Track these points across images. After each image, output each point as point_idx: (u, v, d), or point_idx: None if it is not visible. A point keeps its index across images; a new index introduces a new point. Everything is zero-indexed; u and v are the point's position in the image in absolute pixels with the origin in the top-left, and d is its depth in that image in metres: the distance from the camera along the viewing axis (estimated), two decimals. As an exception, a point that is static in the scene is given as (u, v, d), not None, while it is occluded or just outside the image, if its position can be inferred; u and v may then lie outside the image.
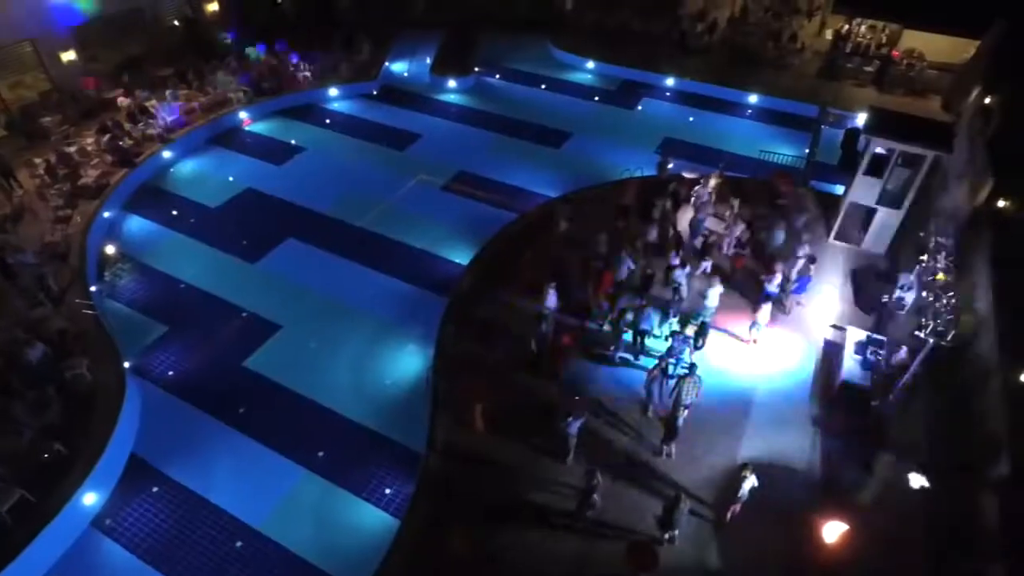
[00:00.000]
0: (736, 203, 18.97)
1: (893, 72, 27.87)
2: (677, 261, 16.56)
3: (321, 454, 14.31)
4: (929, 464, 13.13)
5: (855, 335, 15.31)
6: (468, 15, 32.76)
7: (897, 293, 16.01)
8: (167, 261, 19.32)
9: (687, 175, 20.88)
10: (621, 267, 16.82)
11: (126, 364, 15.59)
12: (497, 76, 29.96)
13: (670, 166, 21.41)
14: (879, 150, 17.48)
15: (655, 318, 15.33)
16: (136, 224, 20.97)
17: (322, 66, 28.73)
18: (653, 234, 18.40)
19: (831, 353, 15.77)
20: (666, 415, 13.96)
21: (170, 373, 16.09)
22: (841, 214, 19.02)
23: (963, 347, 14.64)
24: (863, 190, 18.29)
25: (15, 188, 20.83)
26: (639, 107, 27.91)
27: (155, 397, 15.48)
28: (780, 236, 18.05)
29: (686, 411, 14.07)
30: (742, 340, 16.19)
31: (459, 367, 15.45)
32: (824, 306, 17.16)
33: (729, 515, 12.29)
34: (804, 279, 16.56)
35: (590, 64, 30.69)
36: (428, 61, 30.12)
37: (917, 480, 11.84)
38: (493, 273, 18.01)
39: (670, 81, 29.11)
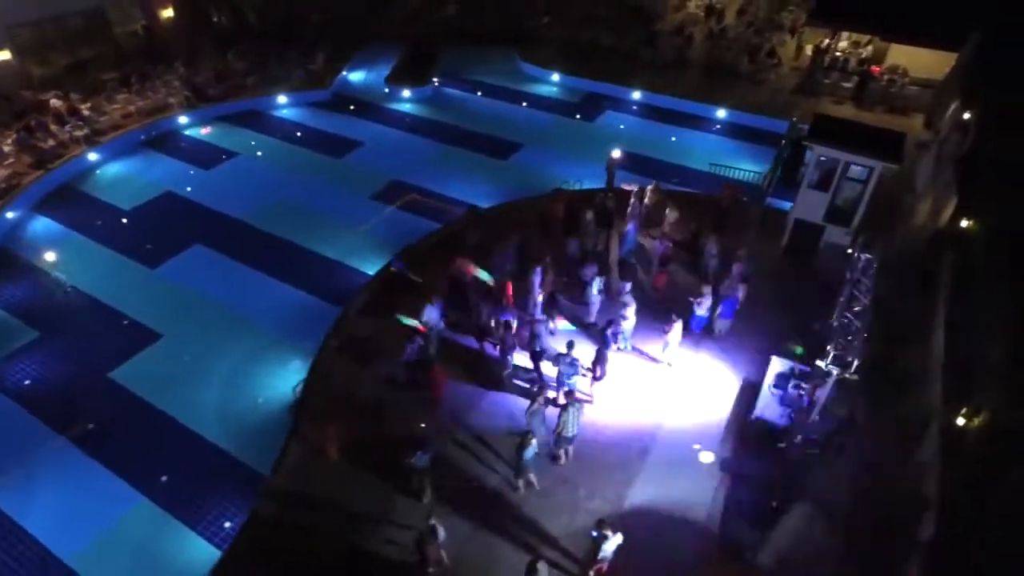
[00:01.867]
0: (670, 218, 17.31)
1: (873, 88, 26.12)
2: (591, 276, 14.92)
3: (164, 479, 12.78)
4: (844, 523, 11.19)
5: (778, 366, 13.45)
6: (436, 29, 32.03)
7: (834, 319, 14.14)
8: (61, 263, 18.12)
9: (625, 187, 19.29)
10: (530, 281, 15.20)
11: (-24, 371, 14.39)
12: (453, 87, 28.85)
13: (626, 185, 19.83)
14: (822, 159, 15.75)
15: (545, 336, 13.66)
16: (41, 225, 19.98)
17: (273, 74, 27.96)
18: (574, 248, 16.80)
19: (752, 386, 13.88)
20: (549, 450, 12.26)
21: (27, 382, 14.78)
22: (787, 232, 17.22)
23: (900, 386, 12.76)
24: (809, 206, 16.52)
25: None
26: (598, 119, 26.48)
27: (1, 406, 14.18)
28: (712, 250, 16.28)
29: (570, 447, 12.34)
30: (656, 360, 14.42)
31: (329, 387, 13.89)
32: (760, 333, 15.28)
33: (592, 574, 10.43)
34: (729, 301, 14.74)
35: (555, 77, 29.51)
36: (386, 72, 29.19)
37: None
38: (396, 287, 16.49)
39: (636, 94, 27.73)
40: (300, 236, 19.35)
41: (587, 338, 14.88)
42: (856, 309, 10.97)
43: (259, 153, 23.86)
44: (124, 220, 20.17)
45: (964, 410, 10.75)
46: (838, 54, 27.82)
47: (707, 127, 25.79)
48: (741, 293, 14.97)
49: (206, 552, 11.55)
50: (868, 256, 11.81)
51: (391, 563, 10.89)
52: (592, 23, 32.96)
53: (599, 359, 13.24)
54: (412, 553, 10.51)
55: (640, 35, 31.49)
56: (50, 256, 17.76)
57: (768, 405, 12.71)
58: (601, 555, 9.88)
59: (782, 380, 13.08)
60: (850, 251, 14.16)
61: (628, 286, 14.88)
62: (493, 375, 14.13)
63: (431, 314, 14.19)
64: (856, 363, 9.74)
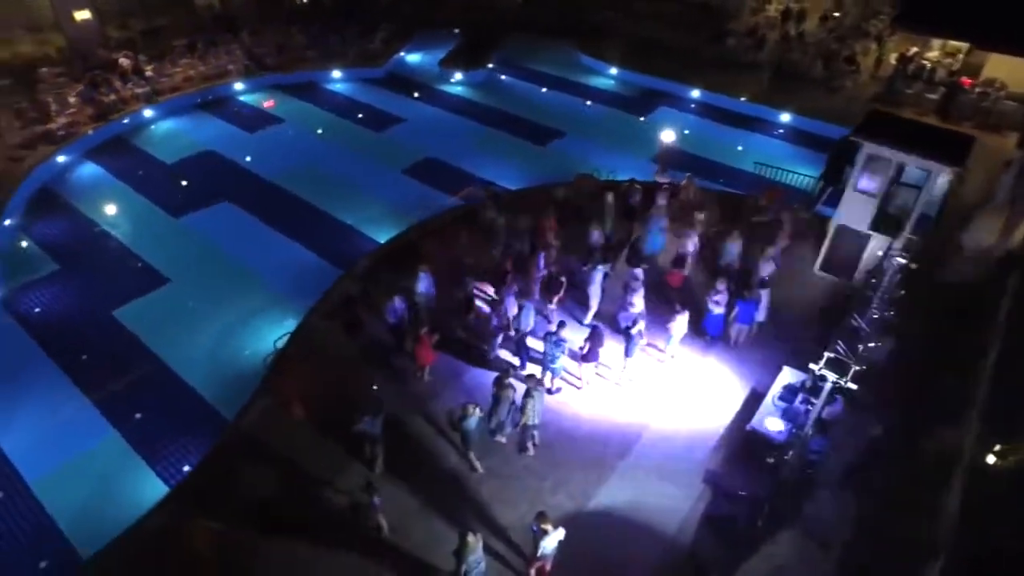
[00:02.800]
0: (699, 215, 16.04)
1: (962, 101, 23.61)
2: (595, 264, 13.95)
3: (139, 416, 12.82)
4: (838, 557, 9.75)
5: (788, 377, 12.04)
6: (498, 18, 31.74)
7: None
8: (96, 205, 18.98)
9: (659, 180, 18.12)
10: (534, 263, 14.40)
11: (-9, 293, 15.08)
12: (506, 74, 28.39)
13: (662, 177, 18.70)
14: (873, 159, 14.10)
15: (530, 317, 12.79)
16: (88, 170, 20.90)
17: (332, 49, 28.43)
18: (596, 236, 15.81)
19: (758, 398, 12.50)
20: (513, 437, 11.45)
21: (36, 310, 15.30)
22: (828, 240, 15.59)
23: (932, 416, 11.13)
24: (854, 211, 14.85)
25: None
26: (651, 115, 25.28)
27: (4, 328, 14.71)
28: (733, 251, 14.91)
29: (535, 433, 11.45)
30: (659, 351, 13.30)
31: (309, 346, 13.57)
32: (778, 344, 13.81)
33: (532, 573, 9.49)
34: (747, 304, 13.36)
35: (613, 71, 28.51)
36: (442, 55, 29.11)
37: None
38: (404, 256, 16.04)
39: (695, 93, 26.35)
40: (323, 201, 19.34)
41: (580, 324, 13.94)
42: (874, 316, 9.55)
43: (303, 121, 24.18)
44: (162, 173, 20.81)
45: (998, 448, 9.20)
46: (925, 63, 25.41)
47: (767, 130, 24.13)
48: (764, 299, 13.57)
49: (160, 491, 11.40)
50: (900, 260, 10.31)
51: (328, 525, 10.35)
52: (658, 20, 31.86)
53: (594, 340, 12.24)
54: (349, 517, 9.95)
55: (707, 34, 30.16)
56: (88, 198, 18.51)
57: (768, 417, 11.35)
58: (540, 552, 8.96)
59: (789, 393, 11.69)
60: (880, 253, 12.55)
61: (639, 272, 13.79)
62: (479, 353, 13.42)
63: (423, 283, 13.65)
64: (855, 370, 8.38)
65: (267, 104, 25.29)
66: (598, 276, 13.76)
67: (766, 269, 14.38)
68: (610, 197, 16.21)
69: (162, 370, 13.83)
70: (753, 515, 10.39)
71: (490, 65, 28.75)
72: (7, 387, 13.35)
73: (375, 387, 12.06)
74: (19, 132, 21.44)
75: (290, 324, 14.61)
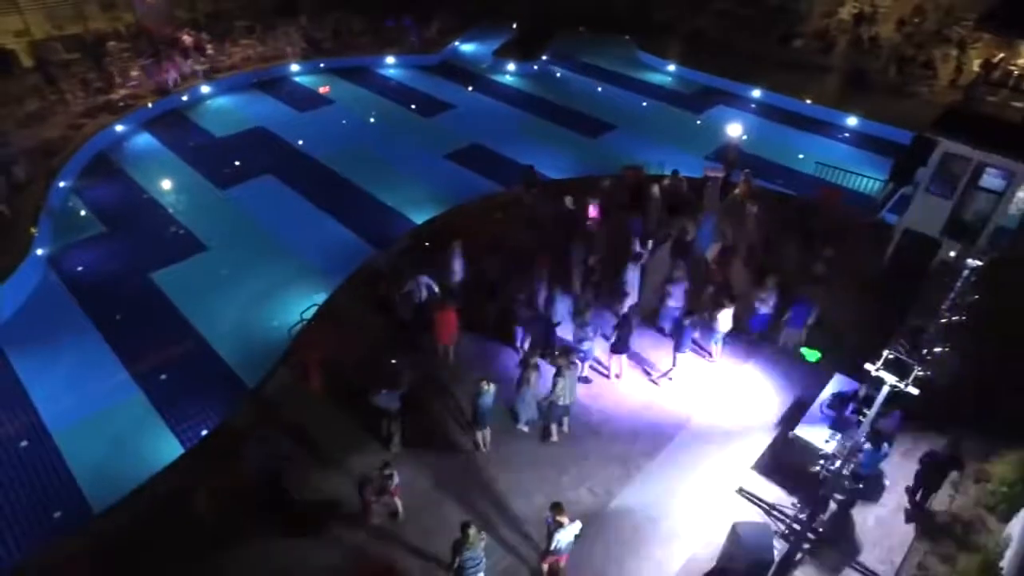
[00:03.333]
0: (751, 210, 15.13)
1: (1052, 111, 21.83)
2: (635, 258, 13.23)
3: (163, 377, 12.80)
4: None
5: (838, 384, 11.07)
6: (557, 12, 31.23)
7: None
8: (146, 173, 19.35)
9: (710, 173, 17.24)
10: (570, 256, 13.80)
11: (40, 251, 15.39)
12: (560, 67, 27.88)
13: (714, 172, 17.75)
14: (948, 159, 12.94)
15: (562, 305, 12.17)
16: (143, 140, 21.38)
17: (387, 36, 28.52)
18: (636, 226, 15.09)
19: (804, 406, 11.54)
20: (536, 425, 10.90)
21: (79, 268, 15.59)
22: (893, 244, 14.44)
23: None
24: (924, 215, 13.70)
25: (50, 93, 22.12)
26: (707, 113, 24.32)
27: (48, 285, 15.04)
28: (786, 251, 13.94)
29: (566, 419, 10.84)
30: (705, 351, 12.50)
31: (335, 320, 13.31)
32: (829, 350, 12.80)
33: (546, 568, 8.87)
34: (801, 306, 12.40)
35: (671, 67, 27.64)
36: (496, 46, 28.84)
37: None
38: (440, 237, 15.65)
39: (756, 93, 25.24)
40: (365, 181, 19.22)
41: (614, 315, 13.24)
42: (942, 320, 8.55)
43: (354, 103, 24.25)
44: (212, 145, 21.13)
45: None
46: (1012, 68, 23.65)
47: (830, 133, 22.88)
48: (816, 302, 12.58)
49: (176, 452, 11.28)
50: (974, 263, 9.26)
51: (332, 503, 9.97)
52: (725, 18, 30.82)
53: (623, 328, 11.54)
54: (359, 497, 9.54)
55: (774, 36, 28.98)
56: (139, 166, 18.88)
57: (813, 425, 10.42)
58: (554, 545, 8.33)
59: (839, 401, 10.71)
60: (953, 253, 11.45)
61: (682, 264, 13.01)
62: (506, 338, 12.88)
63: (456, 261, 13.24)
64: (917, 374, 7.46)
65: (322, 90, 25.38)
66: (636, 267, 13.04)
67: (820, 271, 13.41)
68: (655, 189, 15.45)
69: (191, 334, 13.81)
70: (791, 530, 9.52)
71: (544, 57, 28.34)
72: (44, 341, 13.54)
73: (394, 361, 11.61)
74: (83, 101, 22.17)
75: (320, 298, 14.42)
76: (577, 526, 8.33)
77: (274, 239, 16.80)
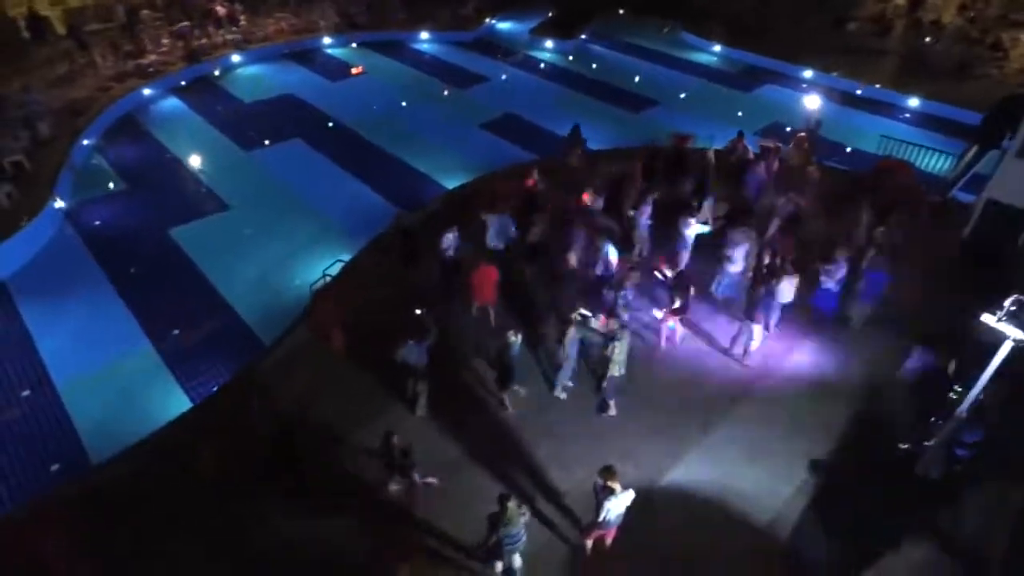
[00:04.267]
0: (813, 174, 13.86)
1: None
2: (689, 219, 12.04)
3: (176, 332, 11.99)
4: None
5: (922, 358, 9.78)
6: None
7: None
8: (171, 134, 18.77)
9: (764, 143, 15.97)
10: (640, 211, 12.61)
11: (59, 204, 14.78)
12: (600, 45, 26.80)
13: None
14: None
15: (610, 255, 11.04)
16: (170, 104, 20.85)
17: (422, 12, 27.75)
18: (688, 185, 13.91)
19: (875, 386, 10.25)
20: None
21: (96, 223, 14.95)
22: (974, 217, 13.05)
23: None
24: (1013, 183, 12.30)
25: (80, 57, 21.74)
26: (756, 91, 23.03)
27: (64, 238, 14.42)
28: (862, 221, 12.63)
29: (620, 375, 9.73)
30: (731, 353, 11.09)
31: (362, 279, 12.39)
32: (900, 326, 11.46)
33: (589, 543, 7.77)
34: (874, 276, 11.06)
35: (717, 48, 26.38)
36: (533, 24, 27.90)
37: None
38: (474, 202, 14.67)
39: (807, 74, 23.84)
40: (396, 147, 18.37)
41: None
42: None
43: (386, 74, 23.49)
44: (240, 110, 20.50)
45: None
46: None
47: (891, 113, 21.41)
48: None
49: (183, 407, 10.42)
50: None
51: (347, 469, 8.99)
52: (772, 4, 29.42)
53: (680, 288, 10.38)
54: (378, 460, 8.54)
55: (826, 19, 27.56)
56: (164, 128, 18.30)
57: (897, 401, 9.16)
58: (602, 516, 7.22)
59: (926, 374, 9.43)
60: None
61: (744, 230, 11.79)
62: (544, 303, 11.82)
63: (492, 223, 12.26)
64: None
65: (355, 71, 24.44)
66: (689, 230, 11.85)
67: (894, 240, 12.09)
68: (711, 154, 14.29)
69: (207, 291, 13.02)
70: (875, 519, 8.29)
71: (583, 36, 27.31)
72: (56, 292, 12.88)
73: (419, 311, 10.56)
74: (112, 66, 21.75)
75: (344, 257, 13.53)
76: (630, 495, 7.22)
77: (299, 200, 16.01)
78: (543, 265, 12.13)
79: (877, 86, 22.56)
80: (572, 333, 9.38)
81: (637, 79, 23.46)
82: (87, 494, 8.70)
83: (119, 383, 10.98)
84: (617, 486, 7.11)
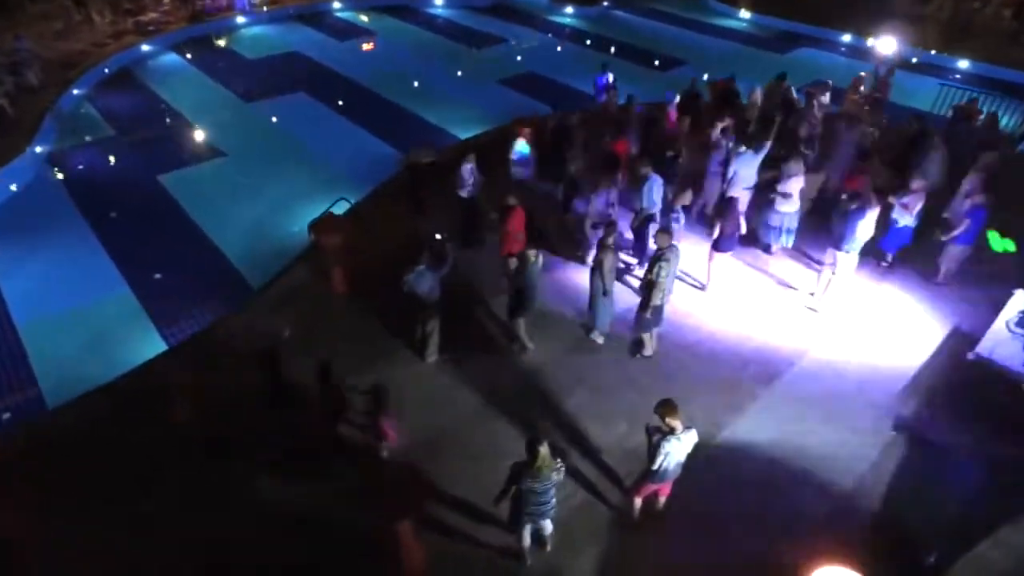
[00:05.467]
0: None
1: None
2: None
3: (158, 276, 10.68)
4: None
5: (1026, 301, 8.25)
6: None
7: None
8: (167, 86, 17.64)
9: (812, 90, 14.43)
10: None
11: (39, 149, 13.59)
12: (624, 12, 25.39)
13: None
14: None
15: (655, 191, 9.57)
16: (168, 59, 19.72)
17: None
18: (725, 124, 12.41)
19: (965, 336, 8.73)
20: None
21: (80, 167, 13.73)
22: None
23: None
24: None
25: (77, 14, 20.68)
26: (791, 53, 21.55)
27: (42, 182, 13.20)
28: (935, 162, 11.08)
29: (655, 329, 8.29)
30: (818, 266, 9.73)
31: (371, 220, 11.03)
32: (986, 278, 9.92)
33: (639, 502, 6.30)
34: (976, 212, 9.38)
35: (745, 14, 24.90)
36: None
37: None
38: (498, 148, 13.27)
39: (846, 38, 22.34)
40: (408, 101, 17.05)
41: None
42: None
43: (397, 35, 22.27)
44: (243, 65, 19.31)
45: None
46: None
47: (940, 75, 19.80)
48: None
49: (159, 350, 9.09)
50: None
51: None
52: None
53: (727, 217, 8.91)
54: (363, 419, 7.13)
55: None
56: (161, 80, 17.10)
57: (998, 343, 7.63)
58: (659, 464, 5.74)
59: (1031, 319, 7.90)
60: None
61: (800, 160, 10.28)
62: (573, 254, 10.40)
63: (518, 151, 10.91)
64: None
65: (366, 47, 23.08)
66: (748, 160, 10.30)
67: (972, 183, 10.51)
68: (758, 93, 12.89)
69: (196, 237, 11.72)
70: (980, 479, 6.78)
71: (605, 3, 25.92)
72: (28, 234, 11.66)
73: (439, 236, 9.15)
74: (111, 23, 20.67)
75: (350, 197, 12.18)
76: (693, 436, 5.75)
77: (301, 149, 14.72)
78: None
79: (927, 50, 21.01)
80: (610, 258, 7.91)
81: (663, 41, 22.05)
82: (38, 441, 7.37)
83: (91, 328, 9.66)
84: (679, 424, 5.64)
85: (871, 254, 9.92)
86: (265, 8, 23.31)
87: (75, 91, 16.45)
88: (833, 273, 9.13)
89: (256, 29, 22.44)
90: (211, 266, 10.98)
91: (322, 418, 7.04)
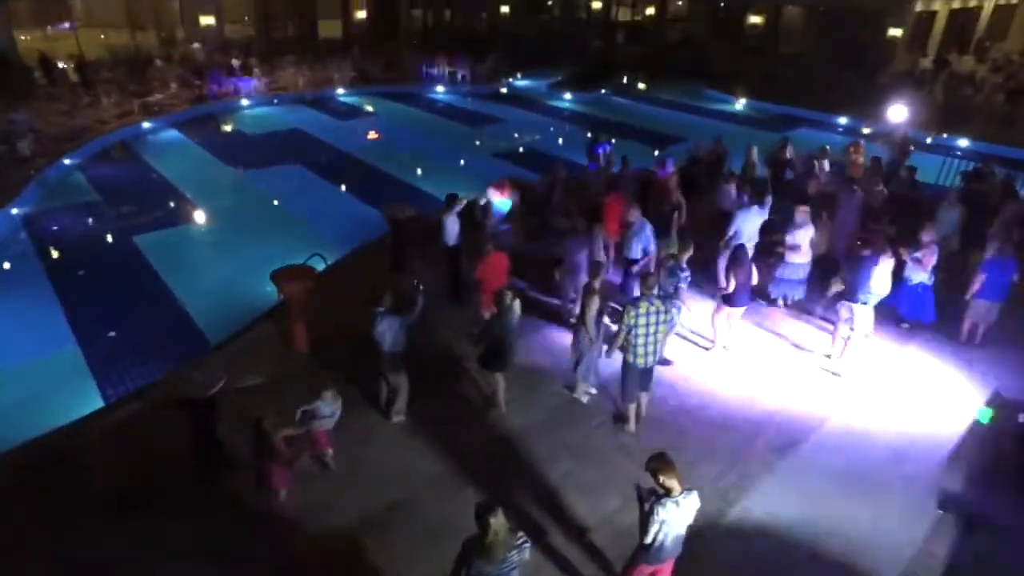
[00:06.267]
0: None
1: None
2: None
3: (112, 334, 9.82)
4: None
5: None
6: (616, 63, 29.86)
7: None
8: (162, 158, 17.57)
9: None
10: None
11: (15, 211, 13.28)
12: (622, 98, 25.96)
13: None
14: None
15: (647, 236, 8.81)
16: (168, 135, 19.83)
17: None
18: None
19: (1009, 404, 7.65)
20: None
21: (54, 228, 13.24)
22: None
23: None
24: None
25: (86, 95, 21.16)
26: (790, 133, 21.56)
27: (14, 240, 12.76)
28: (949, 218, 10.38)
29: (644, 397, 7.25)
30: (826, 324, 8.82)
31: (343, 281, 10.31)
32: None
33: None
34: (1001, 265, 8.52)
35: (741, 101, 25.37)
36: (552, 81, 27.39)
37: None
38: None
39: (843, 120, 22.52)
40: (403, 172, 16.83)
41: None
42: None
43: (397, 116, 22.68)
44: (241, 140, 19.44)
45: None
46: None
47: (943, 152, 19.59)
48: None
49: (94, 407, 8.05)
50: None
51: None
52: (796, 66, 28.70)
53: (738, 268, 8.03)
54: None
55: (855, 76, 26.67)
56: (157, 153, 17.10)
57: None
58: (652, 534, 4.59)
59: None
60: None
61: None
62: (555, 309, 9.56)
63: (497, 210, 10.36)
64: None
65: (371, 136, 23.30)
66: (754, 218, 9.65)
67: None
68: (755, 150, 12.54)
69: (162, 295, 10.94)
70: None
71: (603, 91, 26.57)
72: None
73: (416, 281, 8.29)
74: (117, 105, 21.05)
75: (325, 253, 11.49)
76: (695, 501, 4.63)
77: (288, 214, 14.37)
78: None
79: (925, 132, 21.01)
80: (595, 303, 7.01)
81: (661, 122, 22.30)
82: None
83: (26, 385, 8.70)
84: (676, 485, 4.54)
85: (890, 317, 9.05)
86: (270, 93, 23.88)
87: (66, 160, 16.35)
88: (852, 329, 8.19)
89: (260, 110, 22.86)
90: (171, 324, 10.14)
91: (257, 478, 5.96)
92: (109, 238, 12.84)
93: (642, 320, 6.65)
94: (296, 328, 8.61)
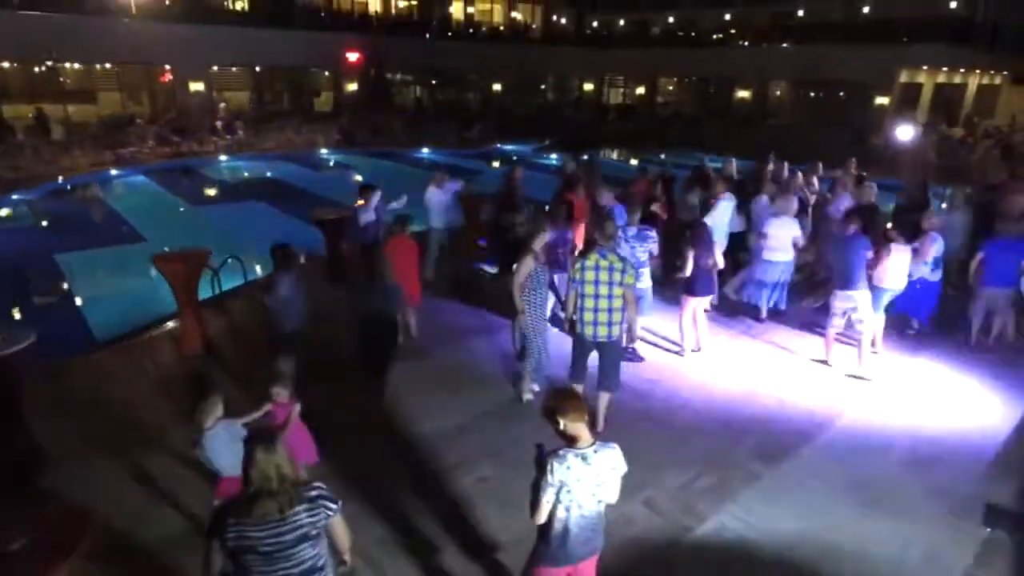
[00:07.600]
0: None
1: None
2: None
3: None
4: None
5: None
6: (601, 136, 30.00)
7: None
8: (117, 196, 16.98)
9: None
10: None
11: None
12: (606, 161, 25.59)
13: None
14: None
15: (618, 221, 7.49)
16: (135, 180, 19.12)
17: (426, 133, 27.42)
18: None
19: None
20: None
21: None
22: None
23: None
24: None
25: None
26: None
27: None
28: (959, 222, 9.10)
29: (604, 399, 5.72)
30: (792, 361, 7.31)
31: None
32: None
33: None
34: (1012, 246, 7.21)
35: (733, 160, 24.89)
36: (537, 146, 27.30)
37: None
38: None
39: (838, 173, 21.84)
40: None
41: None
42: None
43: (376, 168, 22.24)
44: (208, 184, 18.72)
45: None
46: None
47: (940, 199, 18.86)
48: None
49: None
50: None
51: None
52: (787, 132, 28.63)
53: (698, 244, 6.72)
54: None
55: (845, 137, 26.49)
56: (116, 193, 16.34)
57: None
58: (547, 505, 3.04)
59: None
60: None
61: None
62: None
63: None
64: None
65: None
66: (725, 204, 8.54)
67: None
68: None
69: (65, 309, 9.67)
70: None
71: (585, 156, 26.26)
72: None
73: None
74: (90, 155, 20.58)
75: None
76: (615, 459, 3.09)
77: (233, 240, 13.10)
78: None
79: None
80: (528, 265, 5.61)
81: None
82: None
83: None
84: (584, 434, 3.02)
85: (895, 324, 7.64)
86: (254, 151, 23.56)
87: (15, 196, 15.53)
88: (861, 321, 6.71)
89: (237, 163, 22.41)
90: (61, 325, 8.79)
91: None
92: (28, 256, 11.65)
93: (589, 275, 5.26)
94: (187, 324, 7.22)
